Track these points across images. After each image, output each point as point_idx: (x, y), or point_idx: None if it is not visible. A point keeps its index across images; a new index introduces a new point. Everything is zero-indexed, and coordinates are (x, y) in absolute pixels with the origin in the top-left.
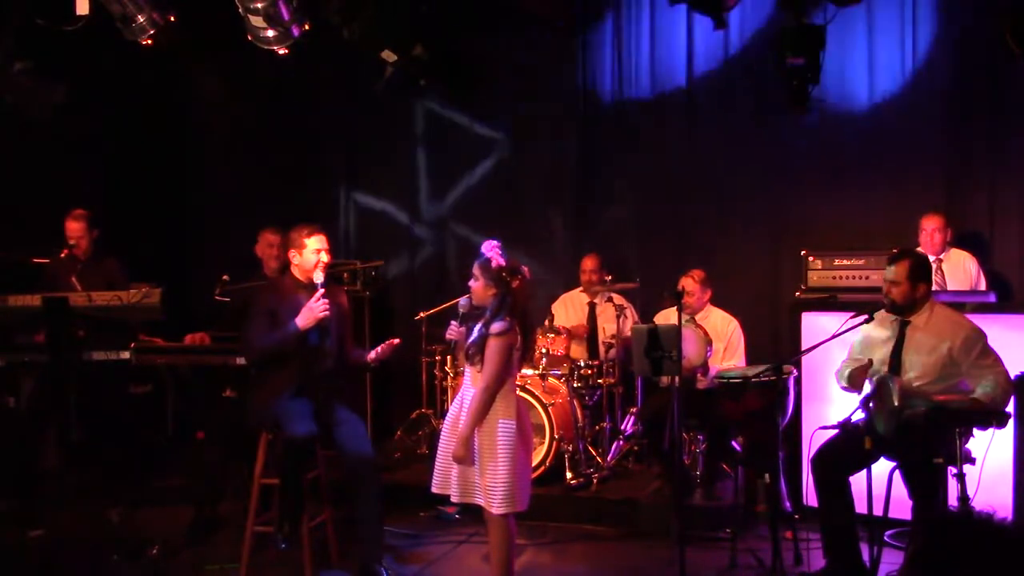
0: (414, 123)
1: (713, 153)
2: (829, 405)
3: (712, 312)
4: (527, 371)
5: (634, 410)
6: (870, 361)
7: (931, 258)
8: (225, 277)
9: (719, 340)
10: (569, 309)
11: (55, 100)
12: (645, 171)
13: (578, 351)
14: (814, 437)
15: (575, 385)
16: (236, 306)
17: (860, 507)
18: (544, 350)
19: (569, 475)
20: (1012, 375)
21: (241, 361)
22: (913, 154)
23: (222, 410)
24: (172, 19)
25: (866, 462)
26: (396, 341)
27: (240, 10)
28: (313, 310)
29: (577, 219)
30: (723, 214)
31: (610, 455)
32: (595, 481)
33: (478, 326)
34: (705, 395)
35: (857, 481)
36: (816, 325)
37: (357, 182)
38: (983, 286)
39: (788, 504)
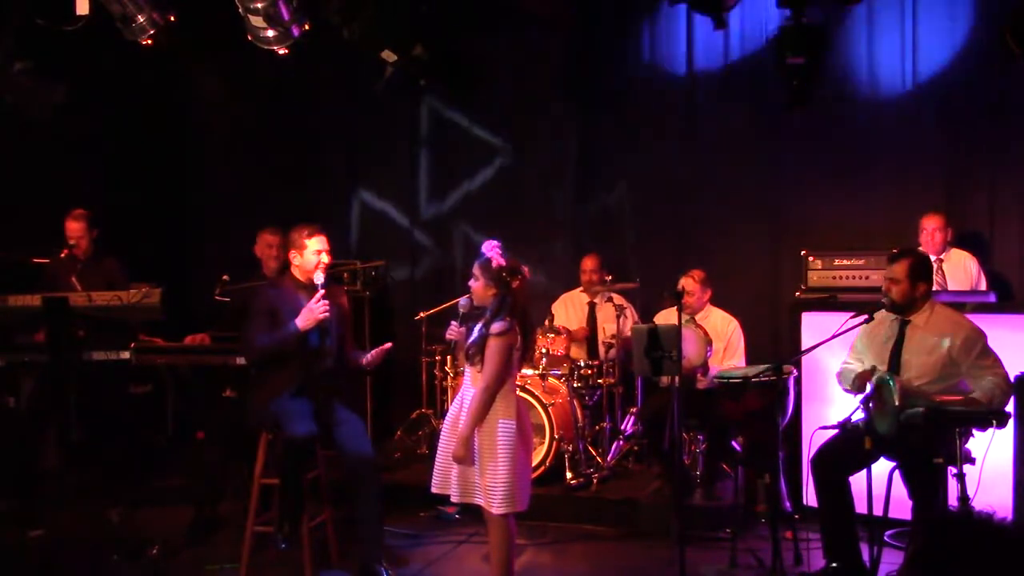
0: (414, 123)
1: (713, 153)
2: (829, 405)
3: (712, 312)
4: (527, 371)
5: (634, 410)
6: (873, 368)
7: (932, 258)
8: (225, 277)
9: (719, 340)
10: (569, 309)
11: (55, 100)
12: (645, 171)
13: (578, 351)
14: (814, 437)
15: (575, 385)
16: (236, 306)
17: (860, 507)
18: (544, 350)
19: (569, 475)
20: (1012, 375)
21: (241, 361)
22: (913, 154)
23: (222, 410)
24: (172, 19)
25: (866, 462)
26: (388, 346)
27: (240, 10)
28: (313, 311)
29: (577, 219)
30: (723, 214)
31: (610, 455)
32: (595, 481)
33: (478, 326)
34: (705, 395)
35: (857, 481)
36: (816, 325)
37: (357, 182)
38: (983, 286)
39: (788, 504)
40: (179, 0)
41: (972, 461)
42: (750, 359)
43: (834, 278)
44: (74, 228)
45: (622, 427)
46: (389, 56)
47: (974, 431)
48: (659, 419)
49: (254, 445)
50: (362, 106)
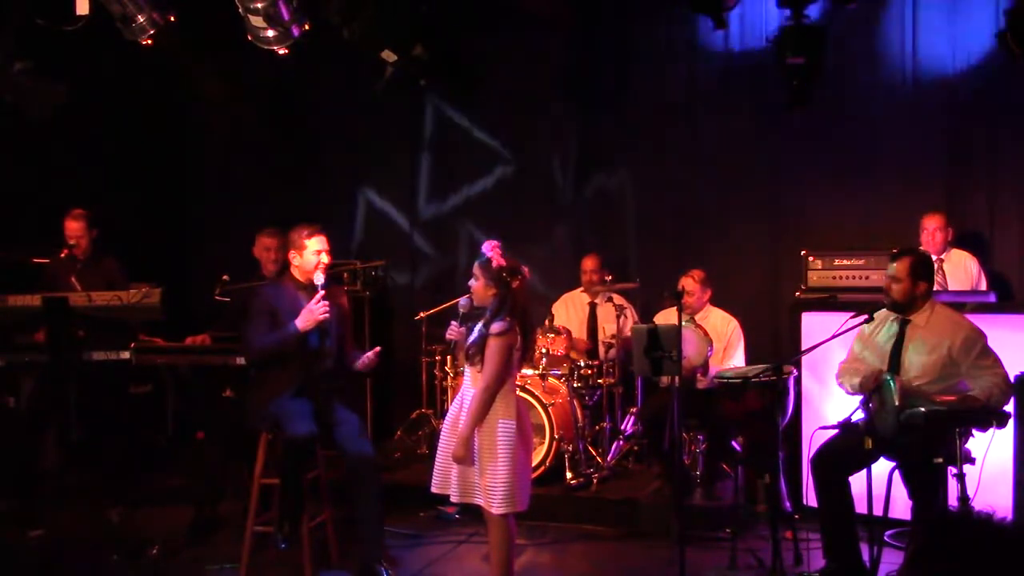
0: (414, 123)
1: (713, 153)
2: (829, 405)
3: (712, 312)
4: (527, 371)
5: (634, 410)
6: (880, 370)
7: (933, 257)
8: (225, 277)
9: (719, 340)
10: (569, 309)
11: (55, 100)
12: (645, 171)
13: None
14: (814, 437)
15: (575, 385)
16: (236, 306)
17: (860, 507)
18: (544, 350)
19: (569, 475)
20: (1012, 375)
21: (241, 361)
22: (913, 154)
23: (222, 410)
24: (172, 19)
25: (866, 462)
26: (377, 350)
27: (240, 10)
28: (313, 312)
29: (577, 219)
30: (723, 214)
31: (610, 455)
32: (595, 481)
33: (478, 326)
34: (705, 395)
35: (857, 481)
36: (816, 325)
37: (357, 182)
38: (984, 286)
39: (788, 504)
40: (179, 0)
41: (972, 461)
42: (750, 359)
43: (834, 278)
44: (74, 228)
45: (622, 427)
46: (389, 56)
47: (974, 431)
48: (659, 419)
49: (254, 445)
50: (362, 106)
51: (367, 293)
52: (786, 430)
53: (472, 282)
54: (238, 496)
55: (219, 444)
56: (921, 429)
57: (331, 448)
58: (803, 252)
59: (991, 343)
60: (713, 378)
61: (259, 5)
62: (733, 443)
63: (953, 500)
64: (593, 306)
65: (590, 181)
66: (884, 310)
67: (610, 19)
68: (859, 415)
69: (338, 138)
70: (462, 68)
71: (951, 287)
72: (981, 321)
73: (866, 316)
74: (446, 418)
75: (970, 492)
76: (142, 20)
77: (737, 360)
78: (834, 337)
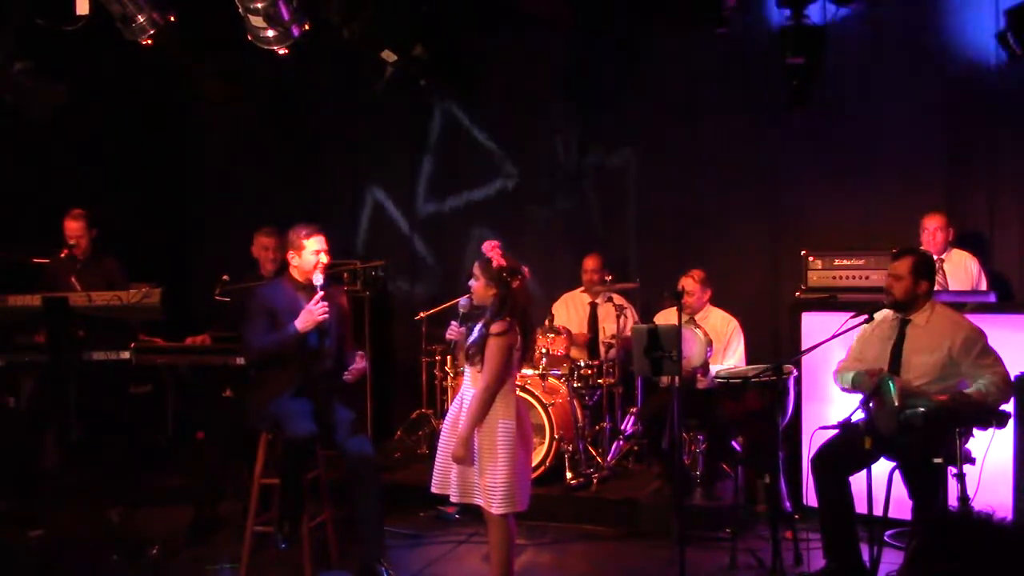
0: (414, 123)
1: (713, 153)
2: (829, 405)
3: (712, 312)
4: (527, 371)
5: (634, 410)
6: (881, 369)
7: (934, 257)
8: (225, 277)
9: (719, 340)
10: (570, 309)
11: (55, 100)
12: (645, 170)
13: (578, 351)
14: (814, 437)
15: (575, 385)
16: (236, 306)
17: (860, 507)
18: (544, 350)
19: (569, 475)
20: (1012, 375)
21: (241, 361)
22: (913, 154)
23: (222, 410)
24: (172, 19)
25: (866, 462)
26: (361, 354)
27: (240, 10)
28: (312, 313)
29: (577, 219)
30: (723, 214)
31: (610, 455)
32: (595, 481)
33: (478, 326)
34: (705, 395)
35: (857, 481)
36: (816, 325)
37: (357, 182)
38: (984, 286)
39: (788, 504)
40: (179, 0)
41: (972, 461)
42: (750, 359)
43: (834, 278)
44: (73, 228)
45: (622, 427)
46: (389, 56)
47: (974, 431)
48: (659, 419)
49: (254, 445)
50: (362, 106)
51: (367, 293)
52: (786, 430)
53: (472, 282)
54: (238, 496)
55: (219, 444)
56: (921, 429)
57: (331, 448)
58: (803, 252)
59: (991, 343)
60: (713, 378)
61: (259, 5)
62: (733, 443)
63: (953, 500)
64: (594, 306)
65: (589, 180)
66: (884, 310)
67: (610, 19)
68: (859, 415)
69: (338, 138)
70: (462, 68)
71: (951, 287)
72: (981, 321)
73: (866, 316)
74: (446, 418)
75: (970, 492)
76: (142, 20)
77: (737, 360)
78: (834, 337)
